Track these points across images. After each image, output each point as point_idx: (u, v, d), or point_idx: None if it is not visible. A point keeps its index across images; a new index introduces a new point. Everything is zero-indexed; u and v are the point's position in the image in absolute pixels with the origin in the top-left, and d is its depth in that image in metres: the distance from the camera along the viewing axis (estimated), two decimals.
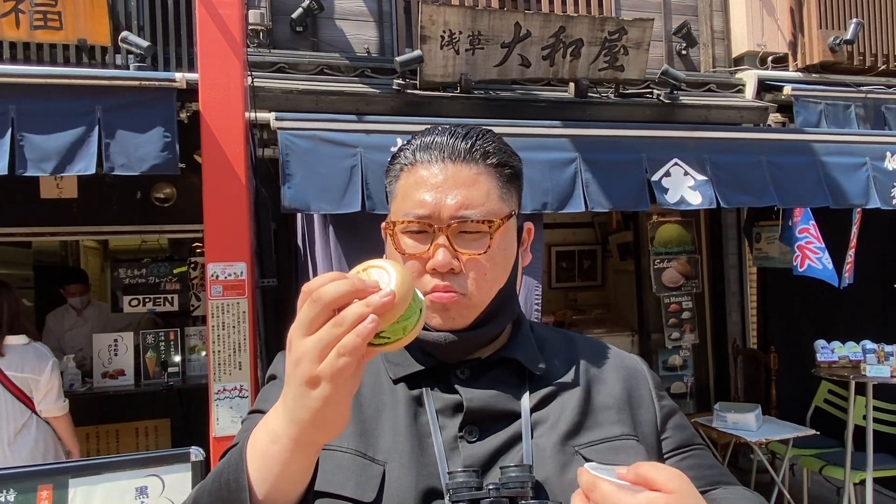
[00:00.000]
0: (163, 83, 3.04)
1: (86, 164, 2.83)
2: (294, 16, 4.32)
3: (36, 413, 3.25)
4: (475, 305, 0.85)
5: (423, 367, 0.87)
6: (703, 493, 0.78)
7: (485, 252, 0.85)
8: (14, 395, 3.18)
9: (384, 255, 0.96)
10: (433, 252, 0.83)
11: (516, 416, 0.84)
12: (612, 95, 4.70)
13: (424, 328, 0.82)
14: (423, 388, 0.86)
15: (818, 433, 4.06)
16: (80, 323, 4.97)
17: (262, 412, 0.87)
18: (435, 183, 0.85)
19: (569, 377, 0.89)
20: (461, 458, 0.81)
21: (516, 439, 0.83)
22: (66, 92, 2.97)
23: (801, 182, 3.80)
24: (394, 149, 3.20)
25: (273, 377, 0.94)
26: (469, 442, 0.82)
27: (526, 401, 0.85)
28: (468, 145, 0.87)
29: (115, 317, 5.20)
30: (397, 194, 0.90)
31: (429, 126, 0.93)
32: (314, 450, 0.65)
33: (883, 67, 5.32)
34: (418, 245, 0.85)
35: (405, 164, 0.89)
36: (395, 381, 0.87)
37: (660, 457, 0.88)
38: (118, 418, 4.57)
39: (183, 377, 4.63)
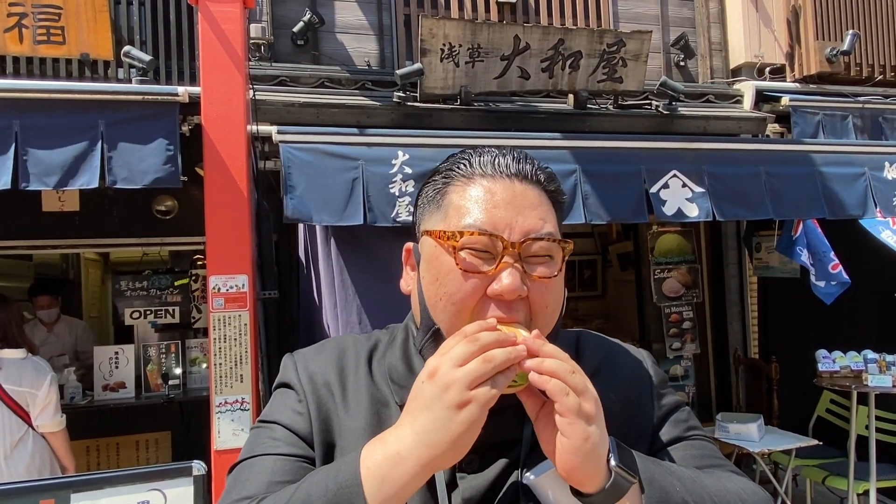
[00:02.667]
0: (165, 97, 3.07)
1: (88, 178, 2.85)
2: (295, 29, 4.36)
3: (33, 427, 3.21)
4: None
5: None
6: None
7: (556, 275, 0.79)
8: (11, 409, 3.15)
9: (402, 277, 0.91)
10: (499, 272, 0.76)
11: (518, 441, 0.82)
12: (611, 107, 4.73)
13: None
14: None
15: (821, 443, 4.05)
16: (52, 339, 4.84)
17: (274, 422, 0.86)
18: (503, 198, 0.79)
19: None
20: (460, 491, 0.80)
21: (515, 467, 0.81)
22: (70, 106, 2.99)
23: (799, 194, 3.81)
24: (395, 161, 3.26)
25: (286, 385, 0.89)
26: (469, 472, 0.80)
27: (530, 425, 0.81)
28: (531, 168, 0.82)
29: (89, 335, 5.11)
30: (448, 208, 0.81)
31: (473, 146, 0.87)
32: (433, 472, 0.70)
33: (880, 78, 5.35)
34: (478, 264, 0.77)
35: (459, 176, 0.82)
36: (402, 406, 0.84)
37: (649, 453, 0.86)
38: (119, 431, 4.56)
39: (184, 389, 4.62)
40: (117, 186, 2.93)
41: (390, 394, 0.86)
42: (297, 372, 0.89)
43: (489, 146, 0.86)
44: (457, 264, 0.77)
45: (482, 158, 0.83)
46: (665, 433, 0.89)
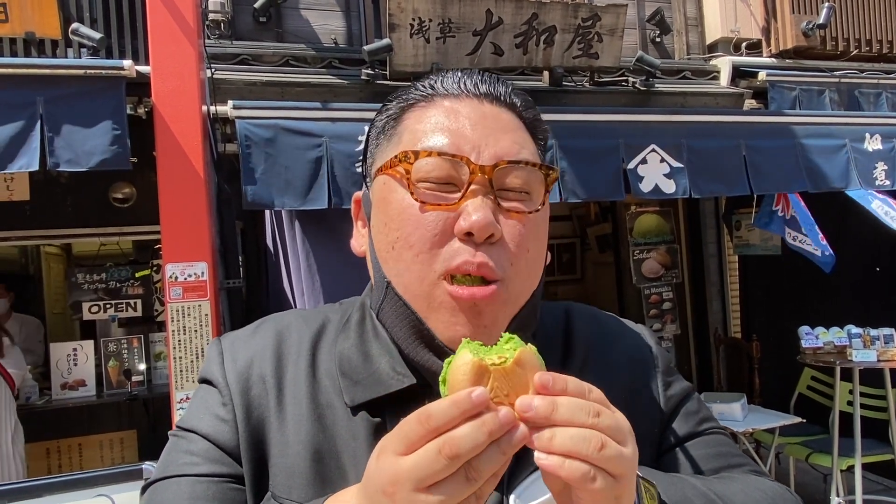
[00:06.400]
0: (110, 72, 2.84)
1: (28, 161, 2.63)
2: (257, 5, 4.14)
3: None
4: (513, 302, 0.64)
5: (391, 391, 0.66)
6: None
7: (537, 211, 0.64)
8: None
9: (354, 231, 0.74)
10: (466, 202, 0.61)
11: None
12: (587, 84, 4.60)
13: (429, 336, 0.63)
14: (387, 416, 0.65)
15: (804, 421, 4.01)
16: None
17: (191, 431, 0.70)
18: (469, 118, 0.65)
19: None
20: None
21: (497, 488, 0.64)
22: (5, 83, 2.75)
23: (779, 167, 3.74)
24: (361, 138, 3.08)
25: (208, 382, 0.72)
26: None
27: None
28: (504, 89, 0.70)
29: (39, 333, 4.86)
30: (402, 135, 0.67)
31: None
32: None
33: (855, 52, 5.30)
34: (440, 195, 0.62)
35: (418, 98, 0.69)
36: (354, 408, 0.67)
37: (658, 453, 0.73)
38: (81, 431, 4.33)
39: (148, 386, 4.42)
40: (60, 169, 2.71)
41: (336, 391, 0.68)
42: (222, 365, 0.72)
43: (453, 68, 0.73)
44: (411, 195, 0.62)
45: (445, 80, 0.69)
46: (676, 429, 0.75)
